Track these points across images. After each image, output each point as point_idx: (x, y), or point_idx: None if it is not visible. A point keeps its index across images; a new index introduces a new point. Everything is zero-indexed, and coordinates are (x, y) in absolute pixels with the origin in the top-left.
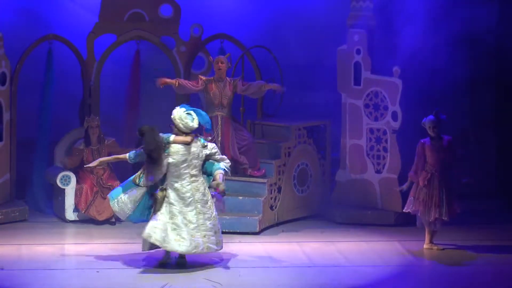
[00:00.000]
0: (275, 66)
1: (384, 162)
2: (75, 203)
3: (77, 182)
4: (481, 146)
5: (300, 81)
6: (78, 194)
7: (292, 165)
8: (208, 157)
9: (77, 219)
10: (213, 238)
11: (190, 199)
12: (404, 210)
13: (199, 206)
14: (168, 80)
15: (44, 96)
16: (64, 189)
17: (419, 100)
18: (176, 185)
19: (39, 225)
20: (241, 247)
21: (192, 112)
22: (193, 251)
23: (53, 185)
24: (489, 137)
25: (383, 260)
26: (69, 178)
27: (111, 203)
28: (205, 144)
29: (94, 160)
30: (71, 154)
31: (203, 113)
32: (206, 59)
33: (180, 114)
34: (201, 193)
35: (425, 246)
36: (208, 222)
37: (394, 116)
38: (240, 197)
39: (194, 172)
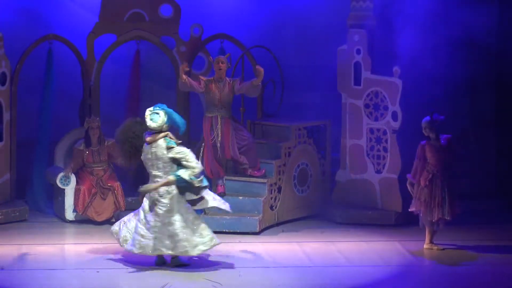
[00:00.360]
0: (275, 66)
1: (384, 162)
2: (73, 204)
3: (76, 183)
4: (481, 146)
5: (300, 81)
6: (76, 195)
7: (292, 165)
8: (177, 161)
9: (76, 219)
10: (167, 242)
11: (152, 199)
12: (409, 210)
13: (156, 208)
14: (183, 75)
15: (44, 96)
16: (64, 189)
17: (419, 100)
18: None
19: (39, 225)
20: (241, 247)
21: (160, 112)
22: (138, 252)
23: (53, 185)
24: (489, 137)
25: (383, 260)
26: (69, 178)
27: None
28: (170, 146)
29: (94, 160)
30: (72, 155)
31: (177, 116)
32: (206, 59)
33: (146, 112)
34: (160, 196)
35: (425, 246)
36: (160, 225)
37: (394, 116)
38: (240, 197)
39: (157, 173)
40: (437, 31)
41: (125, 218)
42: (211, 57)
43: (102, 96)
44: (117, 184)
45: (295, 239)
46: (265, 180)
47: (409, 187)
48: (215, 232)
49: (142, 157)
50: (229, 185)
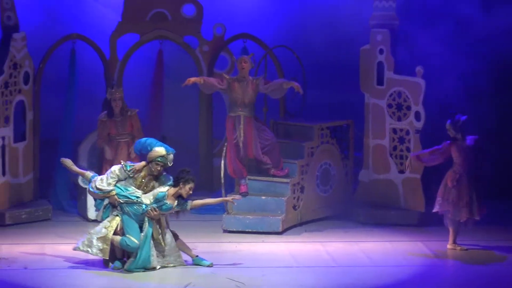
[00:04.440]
0: (298, 66)
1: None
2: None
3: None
4: (505, 147)
5: (323, 81)
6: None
7: (315, 165)
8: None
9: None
10: (100, 244)
11: None
12: (433, 211)
13: None
14: (193, 78)
15: (67, 95)
16: (86, 188)
17: (442, 100)
18: None
19: (62, 224)
20: (264, 247)
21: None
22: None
23: (76, 184)
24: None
25: (407, 260)
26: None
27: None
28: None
29: (117, 132)
30: (98, 128)
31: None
32: (229, 59)
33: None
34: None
35: (448, 246)
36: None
37: (417, 116)
38: (263, 197)
39: None
40: (461, 31)
41: None
42: (234, 57)
43: (125, 96)
44: None
45: (318, 239)
46: (288, 180)
47: (407, 163)
48: (238, 232)
49: None
50: (252, 185)
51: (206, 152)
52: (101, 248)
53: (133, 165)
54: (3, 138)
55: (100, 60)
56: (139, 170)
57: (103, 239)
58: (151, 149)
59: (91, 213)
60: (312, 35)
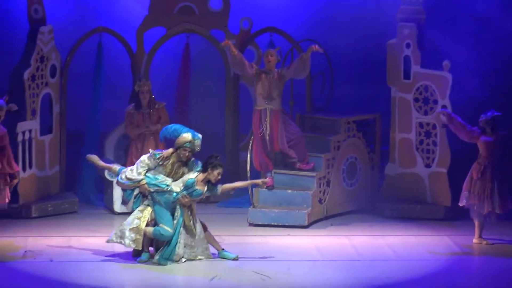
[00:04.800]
0: (324, 59)
1: (433, 156)
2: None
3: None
4: None
5: (350, 74)
6: None
7: (341, 158)
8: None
9: (125, 211)
10: (133, 235)
11: None
12: (459, 204)
13: None
14: (232, 48)
15: (94, 89)
16: (112, 182)
17: (470, 94)
18: None
19: (88, 217)
20: (290, 240)
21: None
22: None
23: (102, 177)
24: None
25: (432, 255)
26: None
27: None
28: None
29: (145, 124)
30: (126, 120)
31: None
32: (255, 52)
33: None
34: None
35: (474, 240)
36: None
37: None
38: (289, 191)
39: None
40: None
41: None
42: (260, 50)
43: (152, 89)
44: None
45: (343, 233)
46: (314, 174)
47: (437, 112)
48: (263, 226)
49: None
50: (278, 179)
51: (232, 146)
52: (134, 239)
53: (162, 153)
54: (30, 131)
55: (126, 53)
56: (168, 157)
57: (135, 229)
58: (178, 135)
59: (117, 206)
60: (339, 29)
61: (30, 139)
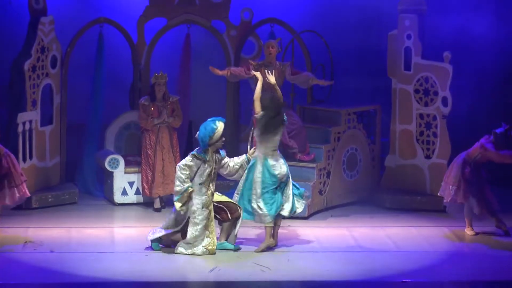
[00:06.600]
0: (325, 50)
1: (433, 148)
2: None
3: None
4: None
5: (350, 66)
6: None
7: (341, 150)
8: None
9: (125, 202)
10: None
11: None
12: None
13: None
14: (220, 72)
15: (95, 79)
16: (112, 172)
17: (470, 86)
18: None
19: (88, 208)
20: (290, 232)
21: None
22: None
23: (102, 168)
24: None
25: (432, 246)
26: (117, 161)
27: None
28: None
29: (160, 115)
30: (140, 111)
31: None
32: (256, 43)
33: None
34: None
35: (466, 230)
36: None
37: (445, 101)
38: None
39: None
40: (489, 16)
41: None
42: (261, 41)
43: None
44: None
45: (344, 224)
46: (314, 165)
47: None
48: None
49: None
50: None
51: (232, 136)
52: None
53: (201, 152)
54: (30, 121)
55: (127, 44)
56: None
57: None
58: (213, 130)
59: (117, 197)
60: (340, 20)
61: (30, 130)
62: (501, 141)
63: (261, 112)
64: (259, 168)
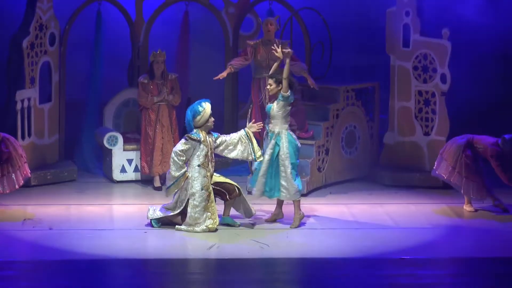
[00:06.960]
0: (323, 28)
1: (432, 125)
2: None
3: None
4: None
5: (349, 43)
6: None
7: (340, 127)
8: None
9: (124, 179)
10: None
11: None
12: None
13: None
14: (224, 73)
15: (93, 57)
16: (111, 150)
17: (469, 62)
18: None
19: (87, 185)
20: (288, 209)
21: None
22: None
23: (101, 146)
24: None
25: (431, 222)
26: (116, 138)
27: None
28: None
29: (159, 93)
30: (139, 90)
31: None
32: (254, 21)
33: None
34: None
35: (464, 207)
36: None
37: (443, 78)
38: None
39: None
40: None
41: None
42: (259, 19)
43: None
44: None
45: (342, 201)
46: (313, 142)
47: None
48: None
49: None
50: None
51: (231, 114)
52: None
53: (195, 133)
54: (29, 99)
55: (125, 21)
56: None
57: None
58: (200, 112)
59: (116, 174)
60: None
61: (29, 107)
62: (508, 148)
63: (290, 90)
64: (285, 144)
